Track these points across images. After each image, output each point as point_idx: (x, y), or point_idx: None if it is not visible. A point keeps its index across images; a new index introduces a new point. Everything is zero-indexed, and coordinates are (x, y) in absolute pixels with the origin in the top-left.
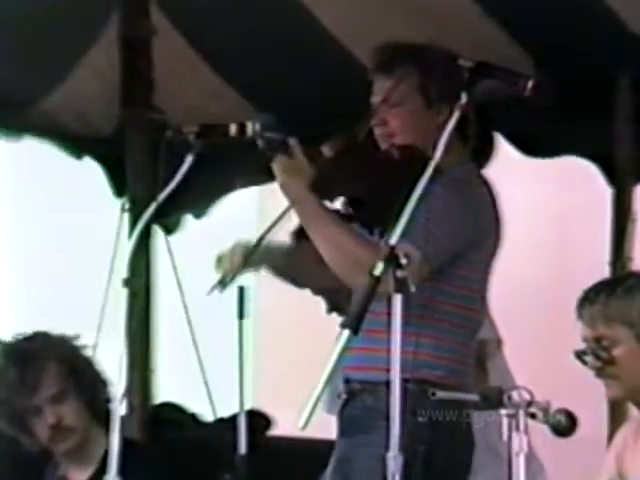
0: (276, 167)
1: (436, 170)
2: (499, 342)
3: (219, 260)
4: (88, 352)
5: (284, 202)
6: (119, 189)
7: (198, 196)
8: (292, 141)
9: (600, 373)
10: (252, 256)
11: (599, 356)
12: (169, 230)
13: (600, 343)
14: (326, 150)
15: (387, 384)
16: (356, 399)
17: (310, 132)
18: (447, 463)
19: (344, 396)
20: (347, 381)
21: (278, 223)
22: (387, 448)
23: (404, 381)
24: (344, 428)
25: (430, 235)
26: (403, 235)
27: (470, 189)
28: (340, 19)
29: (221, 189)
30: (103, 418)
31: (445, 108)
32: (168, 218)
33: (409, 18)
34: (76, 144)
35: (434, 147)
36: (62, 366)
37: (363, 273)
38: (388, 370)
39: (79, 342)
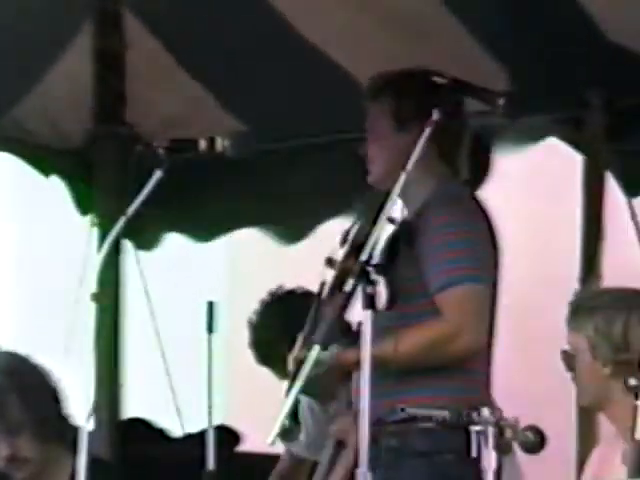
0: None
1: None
2: None
3: None
4: (44, 370)
5: None
6: (85, 208)
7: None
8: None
9: (572, 377)
10: None
11: (565, 360)
12: (144, 247)
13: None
14: None
15: (404, 422)
16: (380, 442)
17: (291, 143)
18: None
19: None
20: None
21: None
22: None
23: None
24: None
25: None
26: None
27: (462, 204)
28: (319, 27)
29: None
30: (64, 438)
31: (417, 127)
32: (144, 235)
33: (391, 29)
34: (45, 158)
35: (404, 166)
36: (20, 397)
37: (441, 350)
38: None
39: (36, 362)
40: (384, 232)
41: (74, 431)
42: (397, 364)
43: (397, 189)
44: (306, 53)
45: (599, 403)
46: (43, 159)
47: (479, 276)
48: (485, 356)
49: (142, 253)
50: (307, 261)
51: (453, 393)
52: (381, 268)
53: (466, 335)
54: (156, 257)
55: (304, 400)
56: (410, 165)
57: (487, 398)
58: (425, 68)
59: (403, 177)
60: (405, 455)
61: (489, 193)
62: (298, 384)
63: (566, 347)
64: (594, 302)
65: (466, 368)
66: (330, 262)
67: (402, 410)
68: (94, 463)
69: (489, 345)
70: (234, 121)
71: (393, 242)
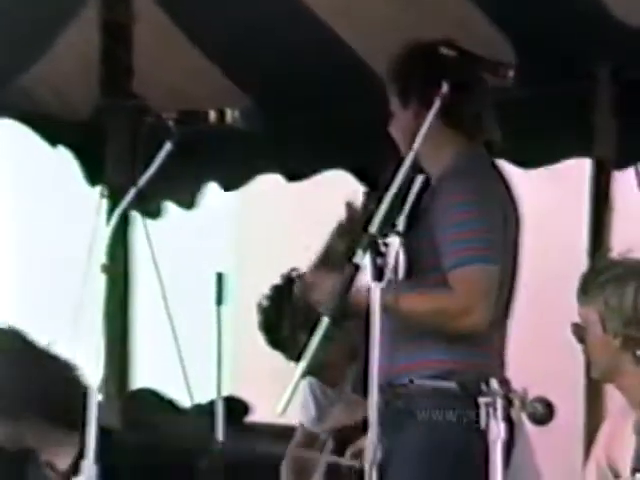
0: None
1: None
2: None
3: None
4: (46, 348)
5: (266, 196)
6: (93, 178)
7: (181, 185)
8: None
9: (583, 350)
10: None
11: (576, 332)
12: (150, 216)
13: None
14: None
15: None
16: (389, 405)
17: (295, 116)
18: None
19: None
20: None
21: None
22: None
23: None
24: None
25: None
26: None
27: (477, 180)
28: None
29: (202, 178)
30: (71, 416)
31: (416, 103)
32: (149, 204)
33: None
34: (53, 128)
35: (410, 143)
36: (21, 377)
37: (446, 324)
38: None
39: (37, 341)
40: (406, 204)
41: (82, 404)
42: (400, 316)
43: (405, 167)
44: (314, 27)
45: (610, 374)
46: (50, 129)
47: (488, 257)
48: (500, 325)
49: (151, 224)
50: (318, 232)
51: (463, 357)
52: (402, 236)
53: (474, 315)
54: (165, 227)
55: (313, 381)
56: (417, 142)
57: (497, 366)
58: (435, 40)
59: (411, 155)
60: (410, 417)
61: None
62: (307, 356)
63: (576, 320)
64: (605, 275)
65: (478, 335)
66: (349, 206)
67: (411, 382)
68: (103, 433)
69: (506, 314)
70: (241, 94)
71: (409, 216)
